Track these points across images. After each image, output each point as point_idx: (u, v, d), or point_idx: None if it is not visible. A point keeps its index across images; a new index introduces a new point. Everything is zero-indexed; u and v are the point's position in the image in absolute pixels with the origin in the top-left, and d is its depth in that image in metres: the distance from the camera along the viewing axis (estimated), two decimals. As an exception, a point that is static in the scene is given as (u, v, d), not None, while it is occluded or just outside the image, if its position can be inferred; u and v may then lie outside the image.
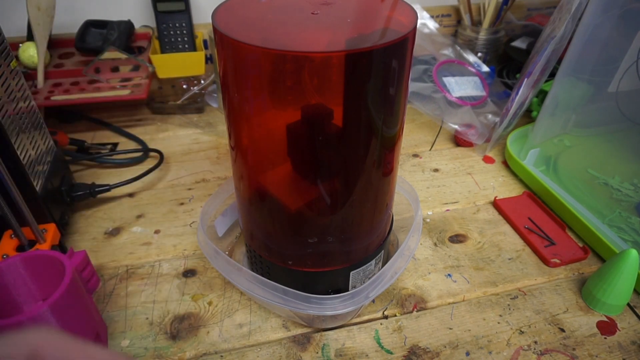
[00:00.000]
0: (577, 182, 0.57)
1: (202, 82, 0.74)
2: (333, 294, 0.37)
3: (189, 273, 0.47)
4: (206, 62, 0.72)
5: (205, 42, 0.74)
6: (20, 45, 0.66)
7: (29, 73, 0.65)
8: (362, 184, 0.35)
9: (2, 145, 0.39)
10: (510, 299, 0.46)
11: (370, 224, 0.39)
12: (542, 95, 0.70)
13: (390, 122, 0.34)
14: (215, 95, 0.74)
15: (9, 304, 0.35)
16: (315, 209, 0.35)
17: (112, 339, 0.41)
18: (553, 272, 0.48)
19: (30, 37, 0.66)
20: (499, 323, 0.43)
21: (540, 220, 0.54)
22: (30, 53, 0.65)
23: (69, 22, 0.71)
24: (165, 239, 0.51)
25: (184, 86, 0.74)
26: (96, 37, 0.69)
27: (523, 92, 0.61)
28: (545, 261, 0.49)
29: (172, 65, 0.69)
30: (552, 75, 0.62)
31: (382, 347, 0.41)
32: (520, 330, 0.42)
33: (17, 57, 0.65)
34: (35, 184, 0.43)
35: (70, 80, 0.66)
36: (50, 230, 0.44)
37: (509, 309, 0.44)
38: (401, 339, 0.42)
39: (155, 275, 0.47)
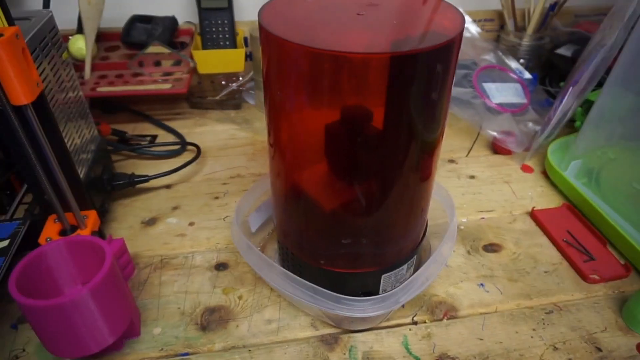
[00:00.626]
0: (621, 196, 0.54)
1: (241, 79, 0.75)
2: (363, 296, 0.37)
3: (221, 266, 0.48)
4: (246, 60, 0.73)
5: (245, 39, 0.75)
6: (70, 37, 0.68)
7: (77, 64, 0.68)
8: (398, 187, 0.35)
9: (51, 132, 0.40)
10: (545, 313, 0.44)
11: (404, 228, 0.38)
12: (586, 105, 0.67)
13: (431, 126, 0.33)
14: (252, 92, 0.75)
15: (50, 286, 0.37)
16: (350, 210, 0.35)
17: (144, 325, 0.42)
18: (592, 289, 0.47)
19: (79, 29, 0.69)
20: (532, 337, 0.42)
21: (579, 234, 0.53)
22: (79, 45, 0.67)
23: (116, 17, 0.73)
24: (199, 232, 0.52)
25: (223, 82, 0.75)
26: (141, 31, 0.71)
27: (567, 101, 0.60)
28: (583, 277, 0.48)
29: (213, 61, 0.70)
30: (599, 84, 0.60)
31: (411, 353, 0.40)
32: (555, 347, 0.41)
33: (67, 49, 0.67)
34: (79, 171, 0.45)
35: (115, 73, 0.69)
36: (91, 217, 0.45)
37: (543, 324, 0.43)
38: (430, 346, 0.41)
39: (189, 267, 0.48)
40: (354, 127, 0.32)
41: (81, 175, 0.45)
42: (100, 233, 0.48)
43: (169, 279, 0.46)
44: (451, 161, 0.66)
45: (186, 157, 0.64)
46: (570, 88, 0.59)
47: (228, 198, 0.57)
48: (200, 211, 0.55)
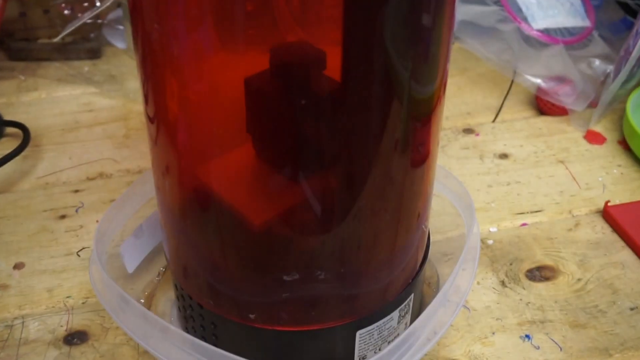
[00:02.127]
0: None
1: (98, 4, 0.74)
2: (327, 371, 0.38)
3: (76, 337, 0.47)
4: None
5: None
6: None
7: None
8: (374, 180, 0.35)
9: None
10: (633, 377, 0.47)
11: (389, 250, 0.39)
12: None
13: (423, 73, 0.34)
14: (121, 27, 0.74)
15: None
16: (295, 224, 0.36)
17: None
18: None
19: None
20: (611, 418, 0.44)
21: (681, 242, 0.55)
22: None
23: None
24: (34, 279, 0.51)
25: (66, 12, 0.74)
26: None
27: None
28: (689, 311, 0.50)
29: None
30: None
31: None
32: None
33: None
34: None
35: None
36: None
37: (630, 395, 0.45)
38: None
39: (16, 343, 0.47)
40: (295, 81, 0.32)
41: None
42: None
43: (-17, 368, 0.45)
44: (468, 131, 0.68)
45: (3, 147, 0.63)
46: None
47: (83, 216, 0.57)
48: (35, 242, 0.54)
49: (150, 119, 0.37)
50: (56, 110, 0.68)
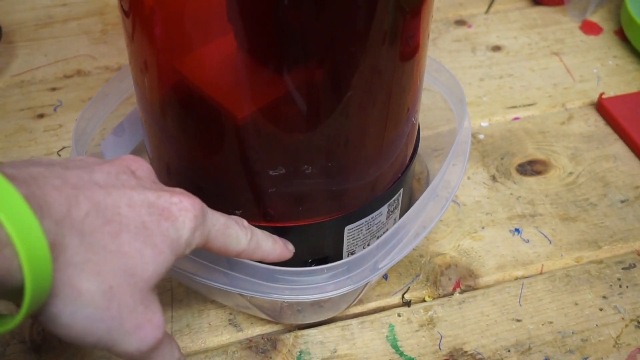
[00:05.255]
0: None
1: None
2: (315, 265, 0.38)
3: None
4: None
5: None
6: None
7: None
8: (362, 73, 0.35)
9: None
10: (622, 269, 0.47)
11: (377, 144, 0.39)
12: None
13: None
14: None
15: None
16: (279, 118, 0.36)
17: None
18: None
19: None
20: (601, 310, 0.45)
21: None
22: None
23: None
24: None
25: None
26: None
27: None
28: (680, 203, 0.51)
29: None
30: None
31: (402, 354, 0.43)
32: (638, 322, 0.45)
33: None
34: None
35: None
36: None
37: (619, 286, 0.46)
38: (434, 340, 0.43)
39: None
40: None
41: None
42: None
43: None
44: (460, 22, 0.67)
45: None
46: None
47: (62, 115, 0.57)
48: (13, 143, 0.54)
49: (126, 13, 0.36)
50: (28, 5, 0.66)
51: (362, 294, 0.44)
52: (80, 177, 0.29)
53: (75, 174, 0.29)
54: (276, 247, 0.37)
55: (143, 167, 0.33)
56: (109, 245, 0.28)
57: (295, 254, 0.41)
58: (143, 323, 0.29)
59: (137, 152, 0.50)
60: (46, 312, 0.26)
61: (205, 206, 0.33)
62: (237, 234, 0.34)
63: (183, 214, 0.31)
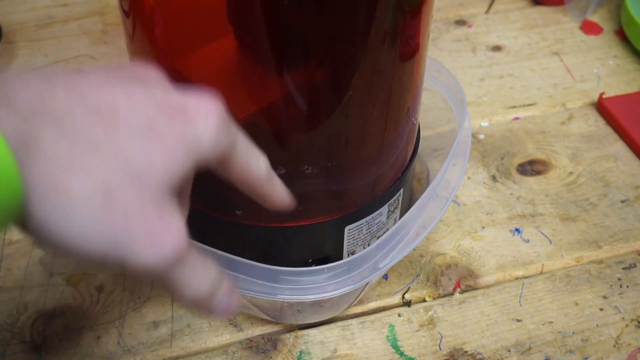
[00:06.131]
0: None
1: None
2: (315, 265, 0.39)
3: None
4: None
5: None
6: None
7: None
8: (362, 73, 0.35)
9: None
10: (623, 269, 0.48)
11: (377, 145, 0.39)
12: None
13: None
14: None
15: None
16: (279, 118, 0.36)
17: None
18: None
19: None
20: (601, 310, 0.45)
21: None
22: None
23: None
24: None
25: None
26: None
27: None
28: (681, 203, 0.51)
29: None
30: None
31: (402, 354, 0.43)
32: (638, 322, 0.45)
33: None
34: None
35: None
36: None
37: (619, 286, 0.47)
38: (434, 340, 0.44)
39: None
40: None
41: None
42: None
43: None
44: (460, 22, 0.67)
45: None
46: None
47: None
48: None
49: (126, 13, 0.36)
50: (28, 5, 0.66)
51: (362, 294, 0.44)
52: (64, 73, 0.25)
53: (60, 72, 0.25)
54: (286, 191, 0.33)
55: (151, 72, 0.28)
56: (101, 143, 0.24)
57: (295, 254, 0.41)
58: (157, 229, 0.25)
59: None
60: (35, 219, 0.22)
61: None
62: (258, 153, 0.30)
63: (203, 115, 0.27)
